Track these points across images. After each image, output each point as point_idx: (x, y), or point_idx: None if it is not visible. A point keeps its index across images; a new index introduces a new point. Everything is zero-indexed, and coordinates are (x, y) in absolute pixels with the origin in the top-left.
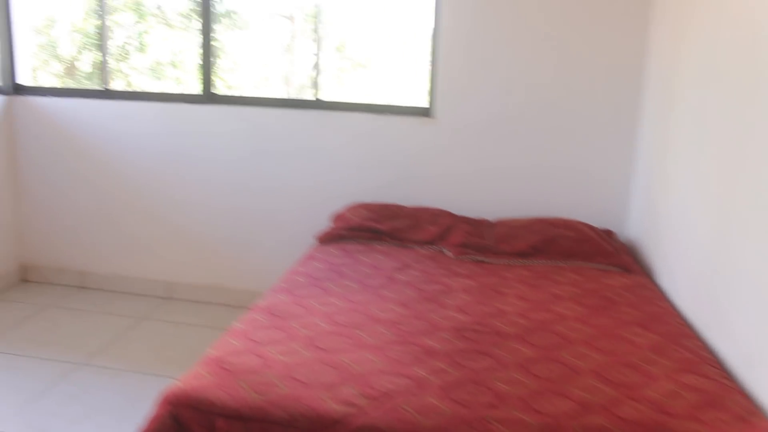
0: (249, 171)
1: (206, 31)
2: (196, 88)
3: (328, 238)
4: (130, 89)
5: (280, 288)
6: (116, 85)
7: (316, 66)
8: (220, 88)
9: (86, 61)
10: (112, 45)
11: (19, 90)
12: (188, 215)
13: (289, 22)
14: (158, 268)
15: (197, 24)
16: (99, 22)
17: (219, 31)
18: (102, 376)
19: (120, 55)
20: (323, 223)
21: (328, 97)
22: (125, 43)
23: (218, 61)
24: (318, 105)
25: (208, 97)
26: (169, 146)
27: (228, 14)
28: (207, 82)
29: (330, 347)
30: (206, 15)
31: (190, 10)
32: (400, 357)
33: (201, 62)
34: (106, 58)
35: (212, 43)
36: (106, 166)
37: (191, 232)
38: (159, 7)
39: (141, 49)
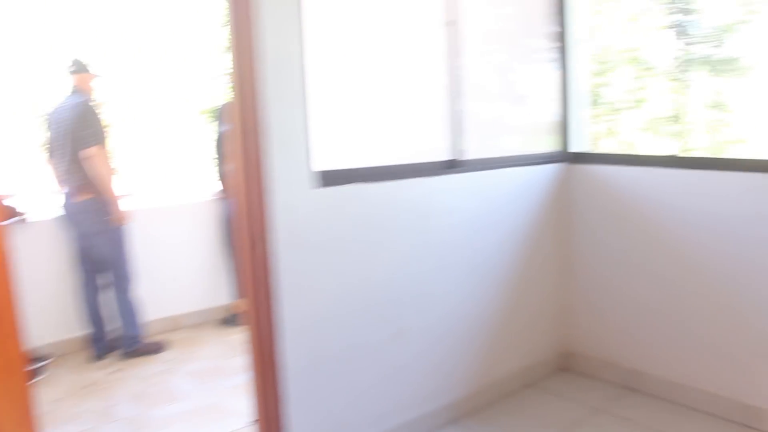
0: None
1: None
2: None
3: None
4: (710, 156)
5: None
6: (606, 144)
7: None
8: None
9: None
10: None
11: (577, 158)
12: None
13: None
14: (735, 384)
15: (694, 75)
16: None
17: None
18: None
19: (610, 111)
20: None
21: None
22: (618, 99)
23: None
24: None
25: None
26: (763, 231)
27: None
28: None
29: None
30: None
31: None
32: None
33: None
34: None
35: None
36: (676, 250)
37: None
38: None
39: (637, 104)
